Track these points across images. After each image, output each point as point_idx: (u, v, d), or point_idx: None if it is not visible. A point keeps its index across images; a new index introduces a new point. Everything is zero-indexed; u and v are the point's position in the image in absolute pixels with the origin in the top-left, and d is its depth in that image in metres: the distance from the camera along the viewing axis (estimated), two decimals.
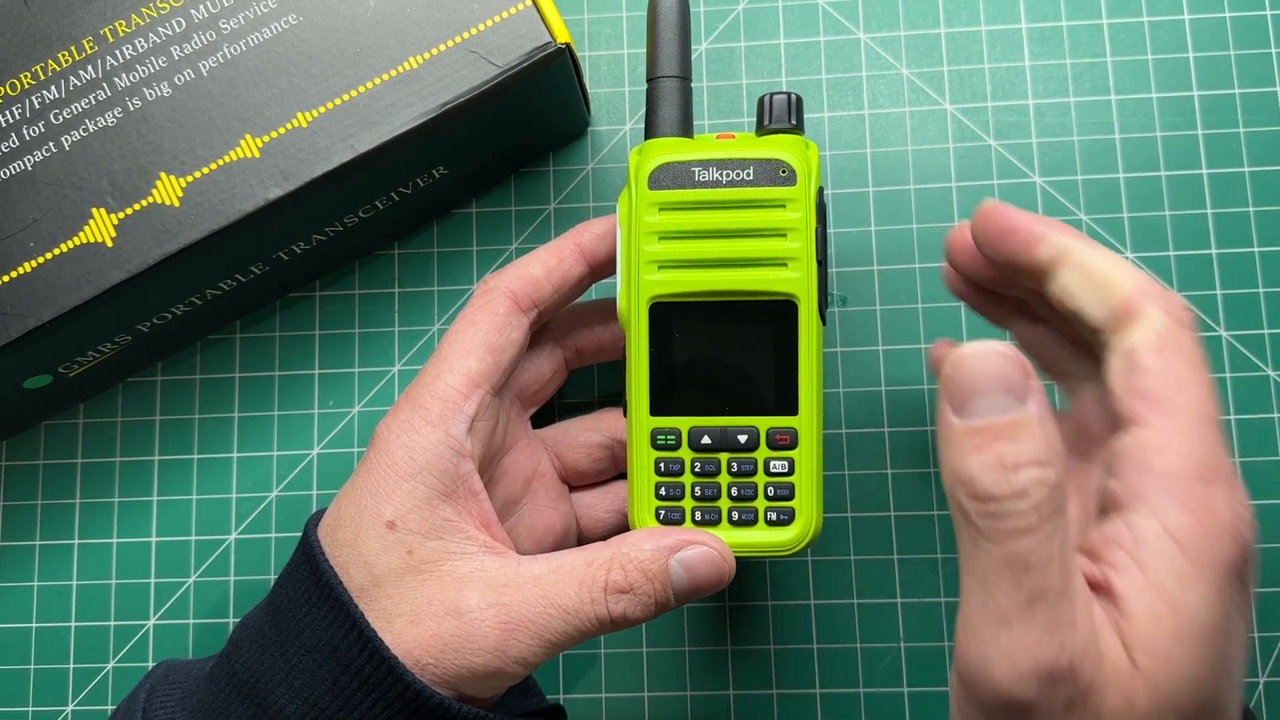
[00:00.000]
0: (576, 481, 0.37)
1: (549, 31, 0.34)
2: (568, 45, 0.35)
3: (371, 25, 0.35)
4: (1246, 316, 0.39)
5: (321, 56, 0.35)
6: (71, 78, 0.35)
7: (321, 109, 0.34)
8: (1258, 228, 0.39)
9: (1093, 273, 0.27)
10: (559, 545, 0.36)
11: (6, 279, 0.34)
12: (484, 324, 0.32)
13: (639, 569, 0.29)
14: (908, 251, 0.39)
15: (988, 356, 0.24)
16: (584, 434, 0.37)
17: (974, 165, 0.40)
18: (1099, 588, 0.25)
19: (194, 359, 0.41)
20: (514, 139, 0.39)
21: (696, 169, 0.31)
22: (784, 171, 0.30)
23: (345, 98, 0.34)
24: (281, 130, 0.34)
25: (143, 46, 0.35)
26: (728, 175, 0.31)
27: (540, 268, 0.33)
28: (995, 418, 0.23)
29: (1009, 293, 0.32)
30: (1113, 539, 0.25)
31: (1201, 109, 0.40)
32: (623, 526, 0.35)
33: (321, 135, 0.34)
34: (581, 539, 0.37)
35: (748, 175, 0.31)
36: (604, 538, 0.32)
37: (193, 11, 0.35)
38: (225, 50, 0.35)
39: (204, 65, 0.35)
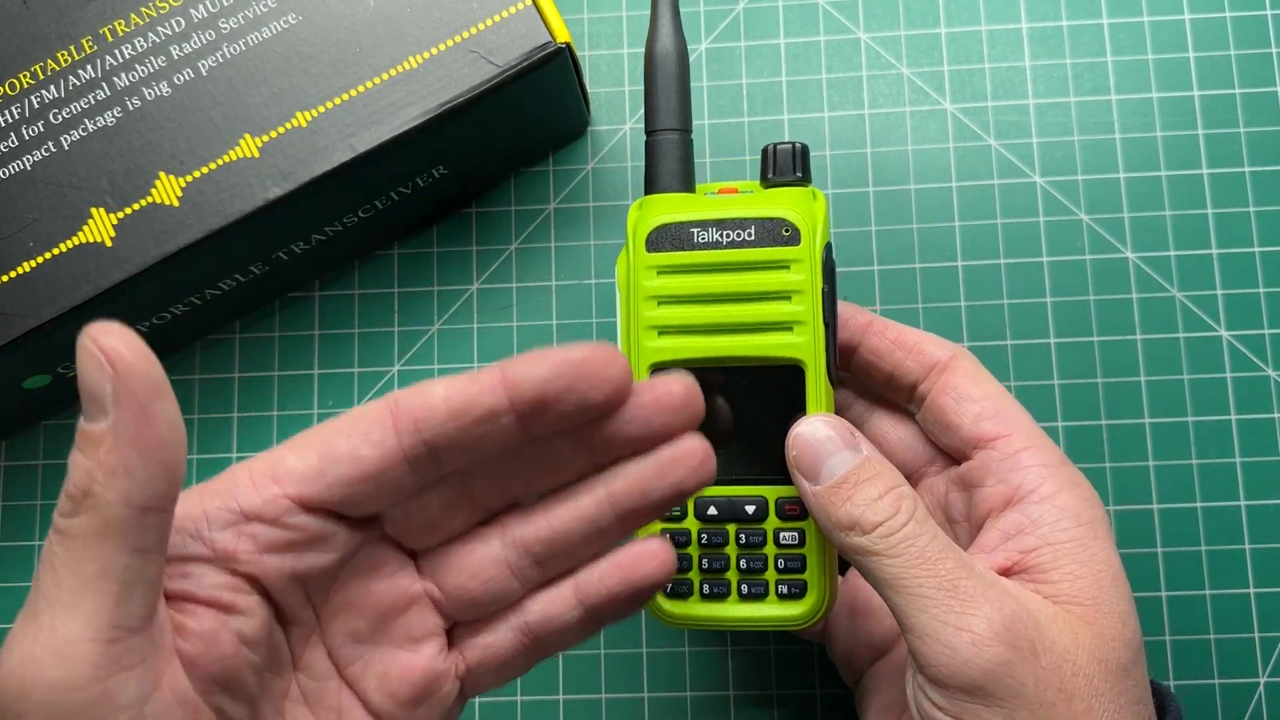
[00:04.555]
0: (465, 615, 0.26)
1: (549, 31, 0.34)
2: (568, 45, 0.35)
3: (371, 25, 0.35)
4: (1247, 316, 0.38)
5: (321, 56, 0.35)
6: (71, 77, 0.35)
7: (321, 108, 0.34)
8: (1258, 228, 0.39)
9: (901, 339, 0.32)
10: (418, 699, 0.25)
11: (6, 279, 0.34)
12: (335, 423, 0.24)
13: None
14: (908, 252, 0.39)
15: (816, 427, 0.29)
16: (475, 545, 0.26)
17: (974, 165, 0.40)
18: (1015, 572, 0.29)
19: (193, 359, 0.41)
20: (514, 139, 0.39)
21: (695, 230, 0.29)
22: (787, 230, 0.29)
23: (345, 97, 0.34)
24: (281, 130, 0.34)
25: (142, 46, 0.35)
26: (728, 236, 0.29)
27: (442, 388, 0.24)
28: (846, 470, 0.28)
29: None
30: (1014, 530, 0.29)
31: (1202, 109, 0.40)
32: (503, 597, 0.26)
33: (321, 135, 0.34)
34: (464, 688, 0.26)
35: (749, 235, 0.29)
36: (488, 627, 0.26)
37: (192, 11, 0.35)
38: (224, 50, 0.35)
39: (203, 65, 0.35)
